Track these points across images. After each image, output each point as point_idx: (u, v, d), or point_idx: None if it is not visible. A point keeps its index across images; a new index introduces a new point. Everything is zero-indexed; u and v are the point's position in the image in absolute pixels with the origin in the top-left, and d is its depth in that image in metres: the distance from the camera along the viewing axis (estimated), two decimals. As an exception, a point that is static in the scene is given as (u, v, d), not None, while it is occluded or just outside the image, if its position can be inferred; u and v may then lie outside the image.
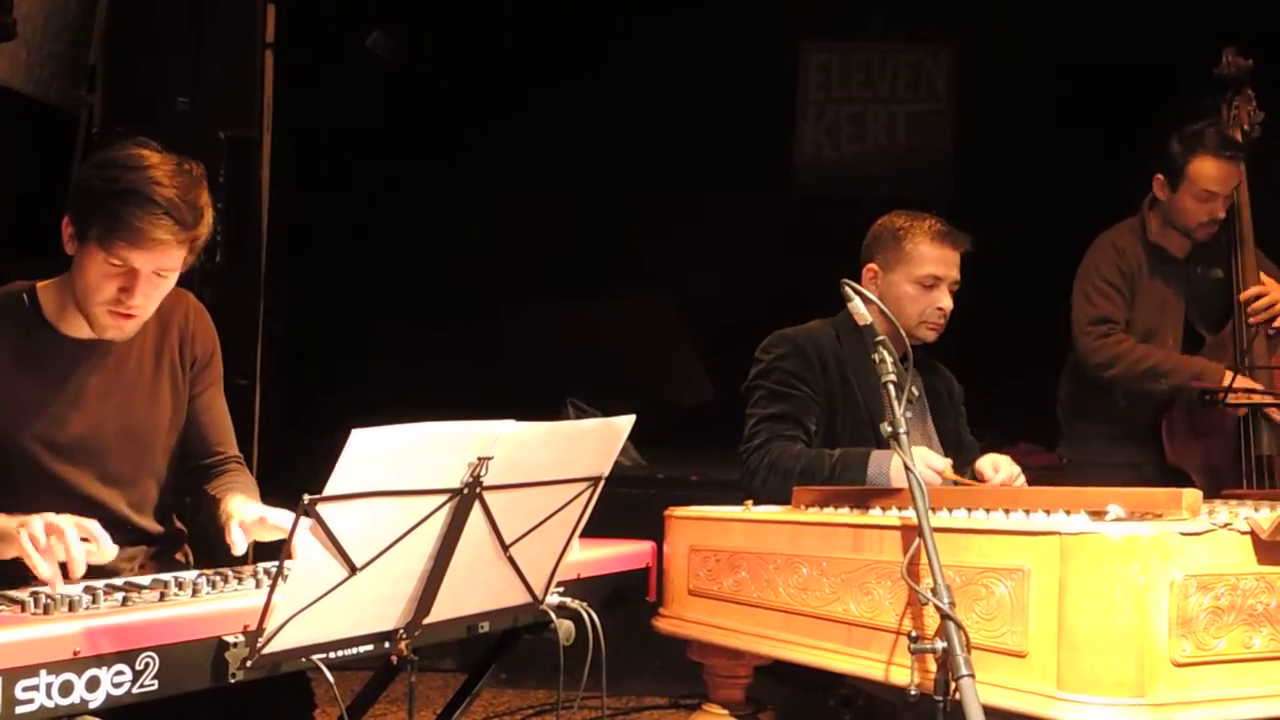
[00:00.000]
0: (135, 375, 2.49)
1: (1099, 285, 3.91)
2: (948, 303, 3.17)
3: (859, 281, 3.21)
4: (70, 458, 2.41)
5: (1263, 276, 3.89)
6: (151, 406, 2.51)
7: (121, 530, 2.43)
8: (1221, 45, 4.02)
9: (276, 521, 2.33)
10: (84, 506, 2.38)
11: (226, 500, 2.45)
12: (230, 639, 1.84)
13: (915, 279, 3.14)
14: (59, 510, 2.23)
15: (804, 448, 3.06)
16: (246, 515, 2.36)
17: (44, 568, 2.01)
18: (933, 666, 2.17)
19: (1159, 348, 3.88)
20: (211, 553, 2.43)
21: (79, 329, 2.40)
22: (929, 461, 2.88)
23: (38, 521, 2.05)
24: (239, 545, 2.30)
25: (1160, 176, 3.87)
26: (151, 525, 2.54)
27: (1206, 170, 3.80)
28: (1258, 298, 3.83)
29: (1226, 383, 3.66)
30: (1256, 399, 3.67)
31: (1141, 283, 3.92)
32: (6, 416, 2.35)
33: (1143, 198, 3.98)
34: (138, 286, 2.29)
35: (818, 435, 3.12)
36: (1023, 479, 3.02)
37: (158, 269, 2.30)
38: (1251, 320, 3.82)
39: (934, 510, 2.42)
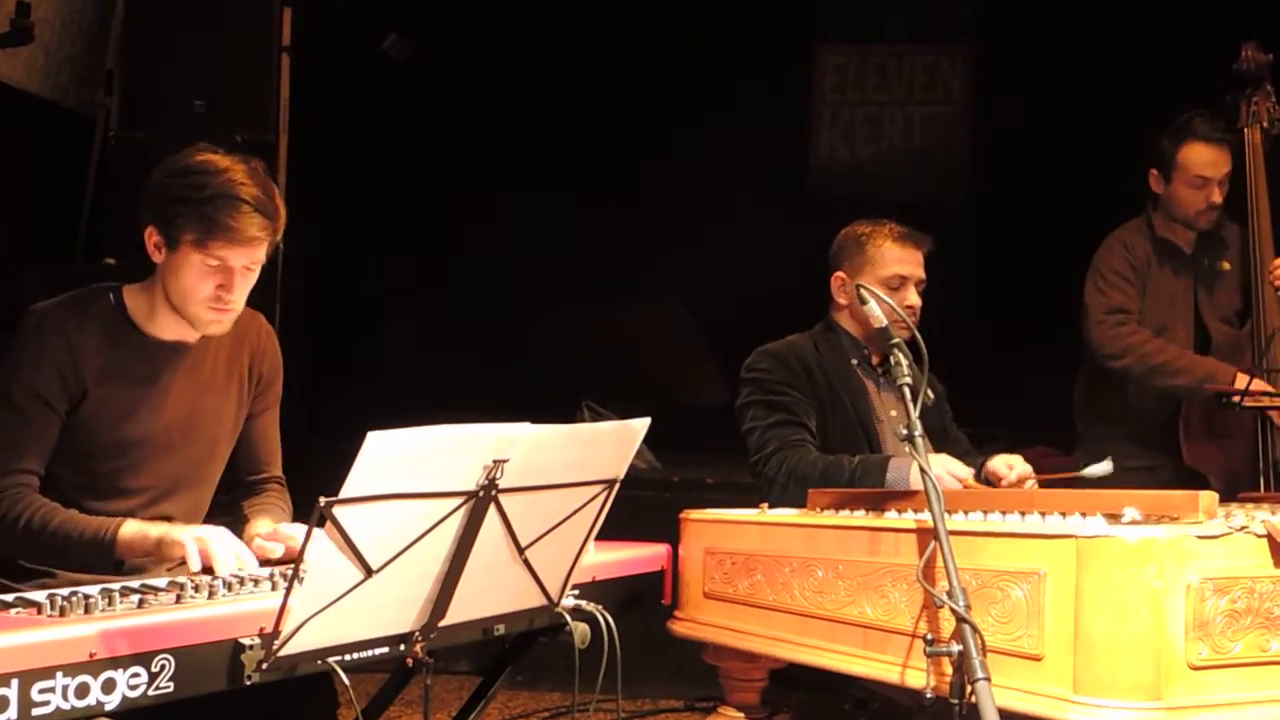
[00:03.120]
0: (208, 379, 2.56)
1: (1110, 278, 3.91)
2: (915, 300, 3.24)
3: (829, 291, 3.28)
4: (136, 455, 2.47)
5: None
6: (218, 412, 2.59)
7: None
8: (1240, 42, 4.00)
9: (287, 531, 2.40)
10: (139, 503, 2.47)
11: (252, 522, 2.54)
12: (246, 641, 1.85)
13: (881, 280, 3.21)
14: (116, 504, 2.40)
15: (820, 454, 3.10)
16: (261, 532, 2.44)
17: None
18: (948, 669, 2.16)
19: (1172, 344, 3.87)
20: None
21: (164, 330, 2.48)
22: (950, 469, 2.91)
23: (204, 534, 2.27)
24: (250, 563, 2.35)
25: (1154, 171, 3.89)
26: None
27: (1196, 156, 3.81)
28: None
29: (1239, 385, 3.63)
30: (1269, 402, 3.64)
31: (1151, 278, 3.92)
32: (92, 415, 2.42)
33: (1145, 198, 3.97)
34: (234, 282, 2.40)
35: (815, 439, 3.16)
36: (1034, 479, 3.04)
37: (249, 263, 2.40)
38: (1277, 283, 3.80)
39: (949, 513, 2.41)
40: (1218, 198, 3.84)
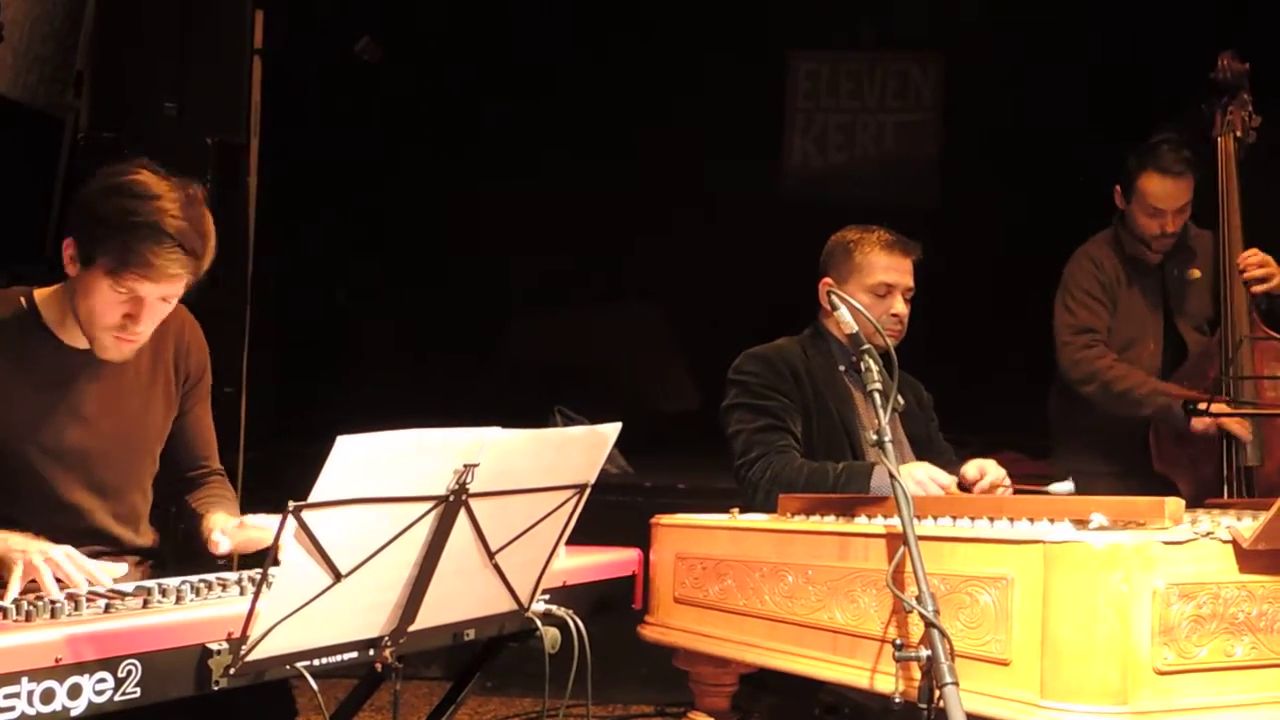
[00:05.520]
0: (131, 385, 2.49)
1: (1079, 296, 3.94)
2: (902, 309, 3.24)
3: (815, 298, 3.29)
4: (63, 464, 2.41)
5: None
6: (145, 417, 2.53)
7: (104, 542, 2.44)
8: (1215, 50, 4.02)
9: (255, 523, 2.37)
10: (70, 516, 2.40)
11: (209, 516, 2.49)
12: (214, 646, 1.83)
13: (868, 288, 3.21)
14: (45, 518, 2.28)
15: (805, 461, 3.11)
16: (228, 524, 2.41)
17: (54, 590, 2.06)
18: (917, 674, 2.17)
19: (1139, 361, 3.90)
20: (193, 563, 2.44)
21: (78, 339, 2.40)
22: (935, 477, 2.92)
23: (37, 556, 2.09)
24: (222, 545, 2.35)
25: (1118, 187, 3.93)
26: (133, 538, 2.55)
27: (1153, 186, 3.84)
28: (1250, 257, 3.84)
29: (1200, 403, 3.66)
30: (1239, 411, 3.68)
31: (1120, 293, 3.95)
32: (5, 428, 2.34)
33: (1114, 210, 4.01)
34: (143, 314, 2.31)
35: (800, 444, 3.16)
36: (1008, 482, 3.05)
37: (163, 296, 2.31)
38: (1245, 278, 3.83)
39: (919, 518, 2.42)
40: (1171, 228, 3.87)
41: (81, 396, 2.42)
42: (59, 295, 2.40)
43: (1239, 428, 3.69)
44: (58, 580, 2.08)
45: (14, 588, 2.08)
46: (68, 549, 2.14)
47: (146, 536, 2.58)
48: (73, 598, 1.90)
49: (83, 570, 2.11)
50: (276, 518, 2.30)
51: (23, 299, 2.41)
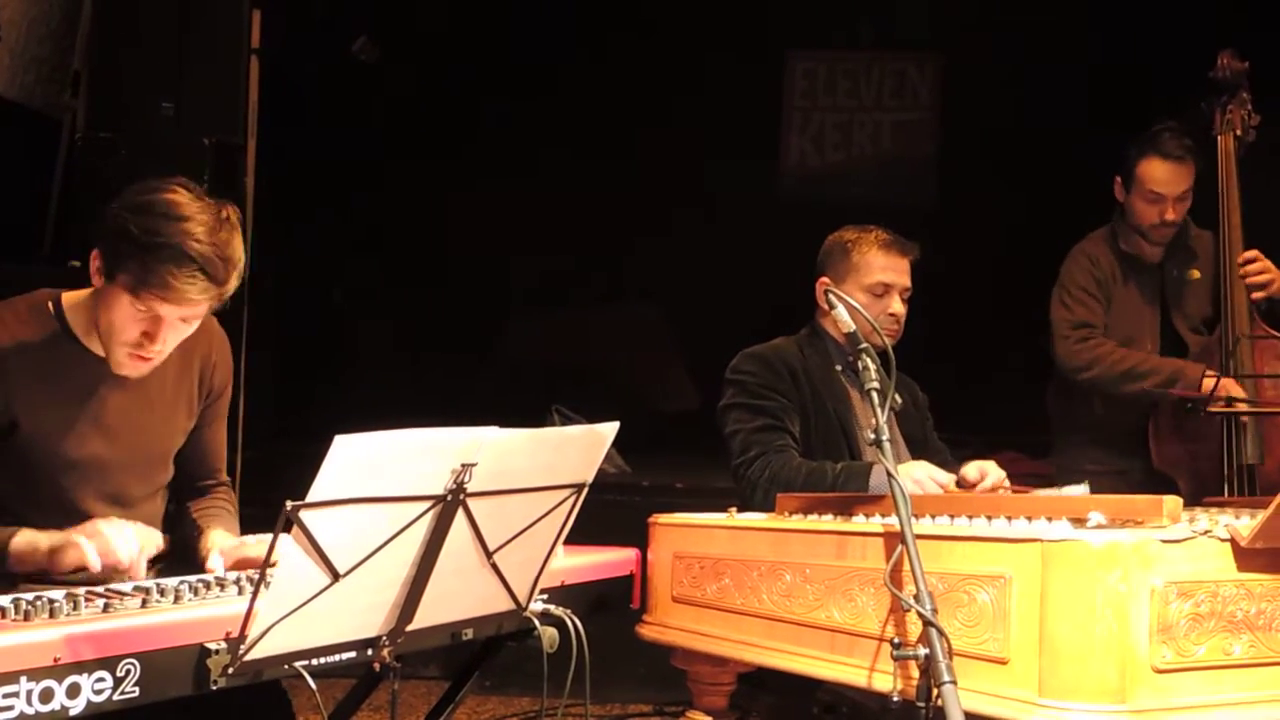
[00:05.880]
0: (155, 399, 2.49)
1: (1075, 293, 3.94)
2: (899, 308, 3.24)
3: (812, 297, 3.29)
4: (81, 474, 2.41)
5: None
6: (167, 432, 2.53)
7: None
8: (1214, 49, 4.02)
9: (253, 542, 2.38)
10: (80, 522, 2.39)
11: (208, 533, 2.49)
12: (212, 646, 1.84)
13: (865, 287, 3.22)
14: (57, 524, 2.28)
15: (804, 460, 3.11)
16: (226, 545, 2.41)
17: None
18: (915, 673, 2.17)
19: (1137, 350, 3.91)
20: (187, 564, 2.45)
21: (103, 348, 2.39)
22: (934, 476, 2.93)
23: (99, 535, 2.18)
24: (217, 569, 2.34)
25: (1118, 178, 3.92)
26: None
27: (1153, 171, 3.83)
28: (1251, 261, 3.84)
29: (1207, 384, 3.67)
30: (1238, 407, 3.68)
31: (1116, 290, 3.94)
32: (25, 425, 2.34)
33: (1113, 205, 4.01)
34: (161, 332, 2.30)
35: (798, 444, 3.17)
36: (1008, 484, 3.05)
37: (184, 317, 2.31)
38: (1248, 282, 3.83)
39: (917, 517, 2.42)
40: (1171, 215, 3.86)
41: (104, 406, 2.41)
42: (86, 303, 2.39)
43: (1240, 392, 3.68)
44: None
45: (92, 559, 2.14)
46: (114, 521, 2.20)
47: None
48: (71, 597, 1.90)
49: (128, 543, 2.17)
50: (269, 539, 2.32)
51: (50, 304, 2.40)
